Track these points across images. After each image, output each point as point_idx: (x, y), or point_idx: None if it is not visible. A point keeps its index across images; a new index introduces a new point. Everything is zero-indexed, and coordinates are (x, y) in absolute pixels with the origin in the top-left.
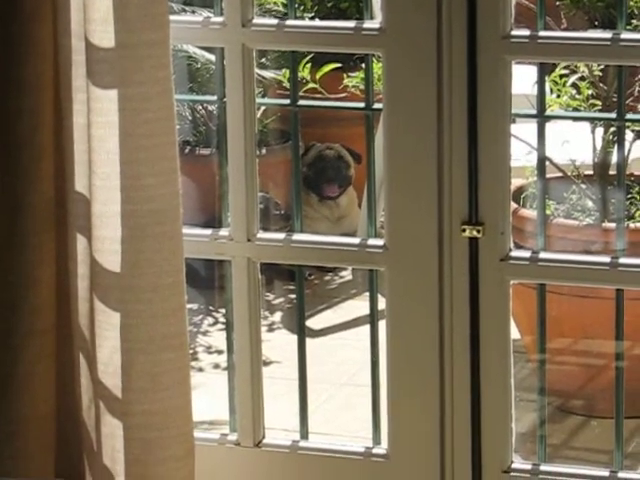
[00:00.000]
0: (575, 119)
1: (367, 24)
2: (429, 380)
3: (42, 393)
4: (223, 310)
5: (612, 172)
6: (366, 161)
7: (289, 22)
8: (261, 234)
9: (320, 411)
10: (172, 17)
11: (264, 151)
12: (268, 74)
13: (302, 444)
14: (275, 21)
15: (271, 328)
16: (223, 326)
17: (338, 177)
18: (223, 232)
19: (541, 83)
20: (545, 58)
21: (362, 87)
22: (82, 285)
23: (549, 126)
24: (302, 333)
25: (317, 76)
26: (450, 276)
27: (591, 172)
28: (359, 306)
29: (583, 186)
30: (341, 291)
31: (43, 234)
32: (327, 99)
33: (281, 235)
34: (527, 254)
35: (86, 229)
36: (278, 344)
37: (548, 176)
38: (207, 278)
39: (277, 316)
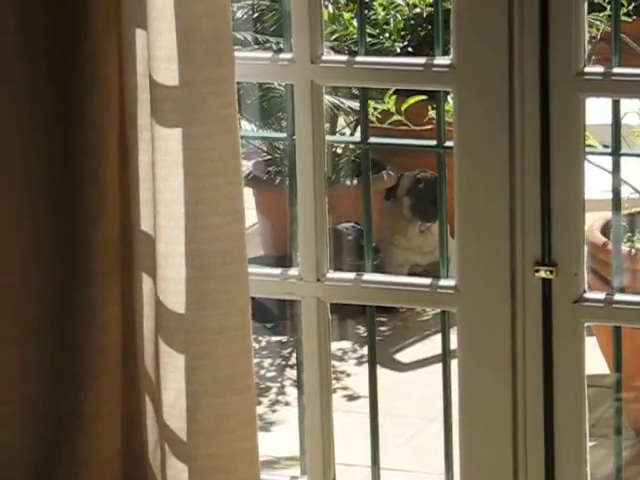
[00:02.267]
0: None
1: (438, 60)
2: (501, 424)
3: (108, 434)
4: None
5: None
6: (438, 198)
7: (358, 59)
8: (331, 274)
9: (407, 447)
10: (239, 53)
11: (355, 181)
12: (355, 104)
13: None
14: (344, 57)
15: (360, 362)
16: None
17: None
18: (292, 272)
19: (616, 120)
20: (620, 95)
21: (447, 119)
22: (147, 326)
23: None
24: (373, 372)
25: (402, 108)
26: (523, 318)
27: None
28: (451, 340)
29: None
30: (432, 324)
31: (108, 273)
32: (412, 132)
33: (351, 275)
34: (602, 296)
35: (151, 269)
36: (366, 378)
37: (636, 210)
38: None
39: (366, 349)
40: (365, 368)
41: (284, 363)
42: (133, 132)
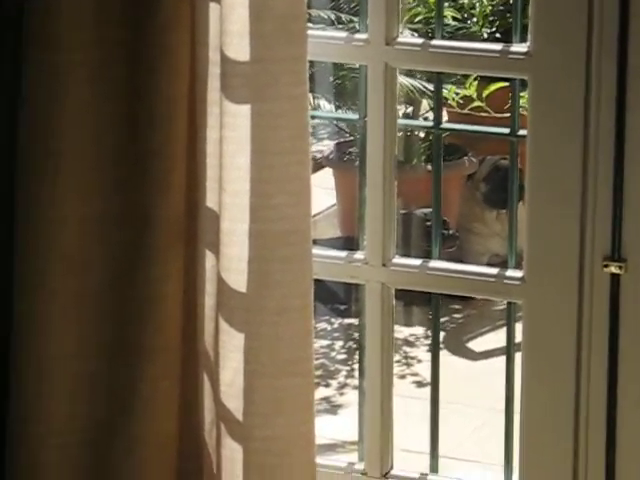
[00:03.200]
0: None
1: (514, 47)
2: (564, 422)
3: (165, 411)
4: None
5: None
6: (509, 188)
7: (434, 42)
8: (397, 259)
9: (473, 438)
10: (313, 32)
11: None
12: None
13: (430, 478)
14: (420, 40)
15: (431, 348)
16: None
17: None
18: (358, 255)
19: None
20: None
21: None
22: (209, 303)
23: None
24: (436, 360)
25: (484, 94)
26: (589, 313)
27: None
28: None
29: None
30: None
31: (172, 248)
32: (492, 118)
33: (417, 261)
34: None
35: (215, 246)
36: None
37: None
38: None
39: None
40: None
41: (355, 346)
42: (202, 106)
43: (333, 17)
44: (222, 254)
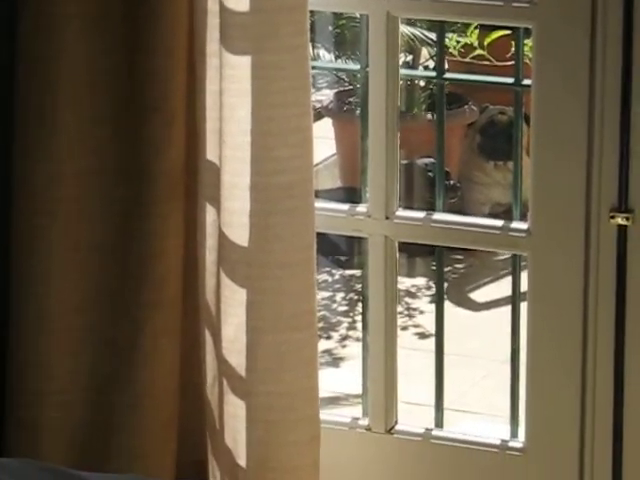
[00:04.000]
0: None
1: None
2: (570, 373)
3: (166, 367)
4: None
5: None
6: (514, 139)
7: None
8: (400, 212)
9: (477, 388)
10: None
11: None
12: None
13: (435, 433)
14: None
15: (434, 300)
16: None
17: (510, 143)
18: (361, 208)
19: None
20: None
21: (531, 55)
22: (210, 258)
23: None
24: (441, 312)
25: (485, 42)
26: (596, 265)
27: None
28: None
29: None
30: (509, 264)
31: (171, 202)
32: (494, 67)
33: (421, 214)
34: None
35: (216, 200)
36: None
37: None
38: None
39: (443, 288)
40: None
41: (356, 298)
42: (201, 58)
43: None
44: (223, 208)
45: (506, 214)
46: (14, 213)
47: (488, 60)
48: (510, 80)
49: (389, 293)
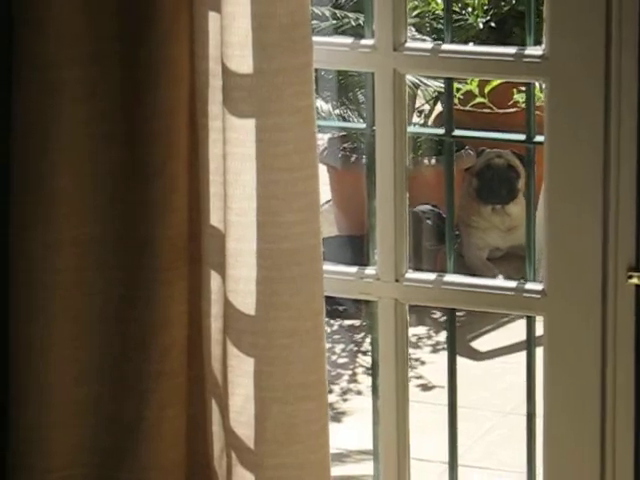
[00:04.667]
0: None
1: (529, 50)
2: (589, 434)
3: (172, 439)
4: None
5: None
6: (526, 198)
7: (444, 47)
8: (410, 274)
9: (482, 442)
10: (317, 38)
11: (433, 161)
12: (435, 84)
13: None
14: (429, 45)
15: (435, 349)
16: None
17: (505, 186)
18: (369, 271)
19: None
20: None
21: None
22: (215, 326)
23: None
24: (453, 375)
25: (485, 90)
26: (614, 327)
27: None
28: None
29: None
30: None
31: (175, 270)
32: (495, 115)
33: (432, 276)
34: None
35: (221, 266)
36: (442, 367)
37: None
38: None
39: (442, 335)
40: (441, 356)
41: (356, 349)
42: (204, 120)
43: (328, 13)
44: (228, 275)
45: (504, 259)
46: (12, 284)
47: (489, 108)
48: (522, 137)
49: (400, 359)
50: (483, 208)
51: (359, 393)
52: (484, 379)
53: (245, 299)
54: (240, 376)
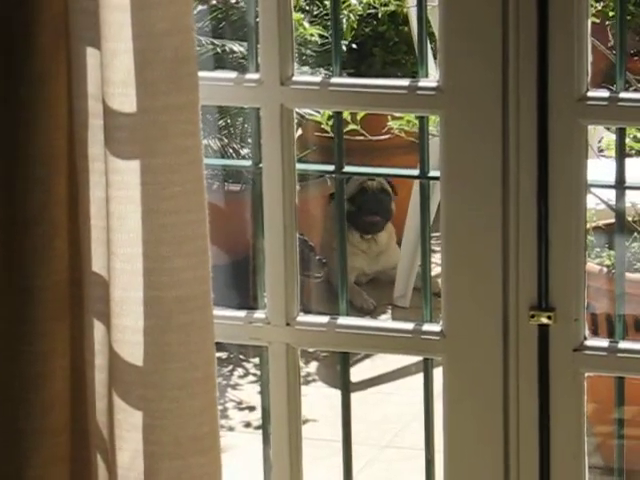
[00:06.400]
0: None
1: (423, 83)
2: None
3: None
4: (256, 359)
5: None
6: (420, 233)
7: (334, 80)
8: (302, 317)
9: (360, 478)
10: (201, 74)
11: (298, 187)
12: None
13: None
14: (318, 79)
15: (306, 380)
16: (255, 378)
17: (381, 210)
18: (259, 314)
19: (621, 149)
20: (626, 123)
21: (407, 129)
22: (99, 378)
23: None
24: (348, 422)
25: (358, 117)
26: (516, 368)
27: None
28: (401, 357)
29: None
30: None
31: (56, 320)
32: (370, 143)
33: (324, 319)
34: (604, 343)
35: (104, 315)
36: (315, 399)
37: (606, 222)
38: None
39: (312, 367)
40: (312, 387)
41: (225, 382)
42: (84, 163)
43: (204, 41)
44: (113, 325)
45: (371, 283)
46: None
47: (362, 135)
48: (415, 172)
49: (292, 403)
50: (352, 235)
51: (231, 429)
52: (357, 411)
53: (132, 350)
54: (128, 431)
